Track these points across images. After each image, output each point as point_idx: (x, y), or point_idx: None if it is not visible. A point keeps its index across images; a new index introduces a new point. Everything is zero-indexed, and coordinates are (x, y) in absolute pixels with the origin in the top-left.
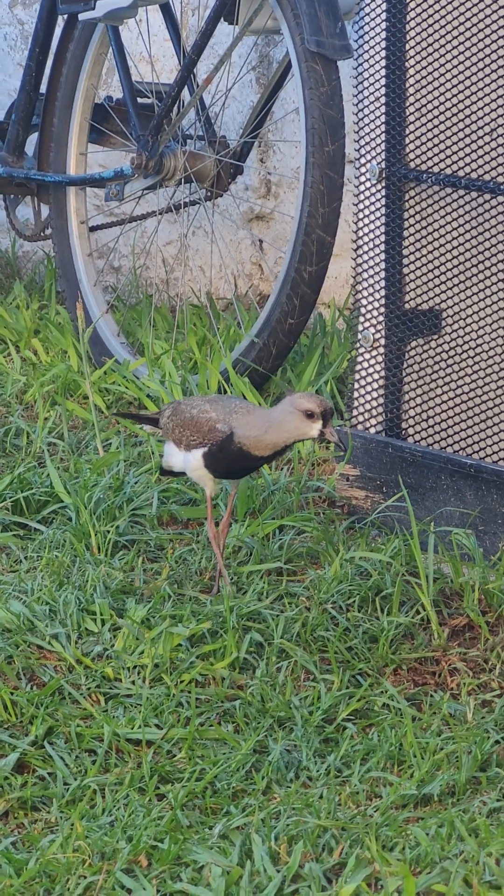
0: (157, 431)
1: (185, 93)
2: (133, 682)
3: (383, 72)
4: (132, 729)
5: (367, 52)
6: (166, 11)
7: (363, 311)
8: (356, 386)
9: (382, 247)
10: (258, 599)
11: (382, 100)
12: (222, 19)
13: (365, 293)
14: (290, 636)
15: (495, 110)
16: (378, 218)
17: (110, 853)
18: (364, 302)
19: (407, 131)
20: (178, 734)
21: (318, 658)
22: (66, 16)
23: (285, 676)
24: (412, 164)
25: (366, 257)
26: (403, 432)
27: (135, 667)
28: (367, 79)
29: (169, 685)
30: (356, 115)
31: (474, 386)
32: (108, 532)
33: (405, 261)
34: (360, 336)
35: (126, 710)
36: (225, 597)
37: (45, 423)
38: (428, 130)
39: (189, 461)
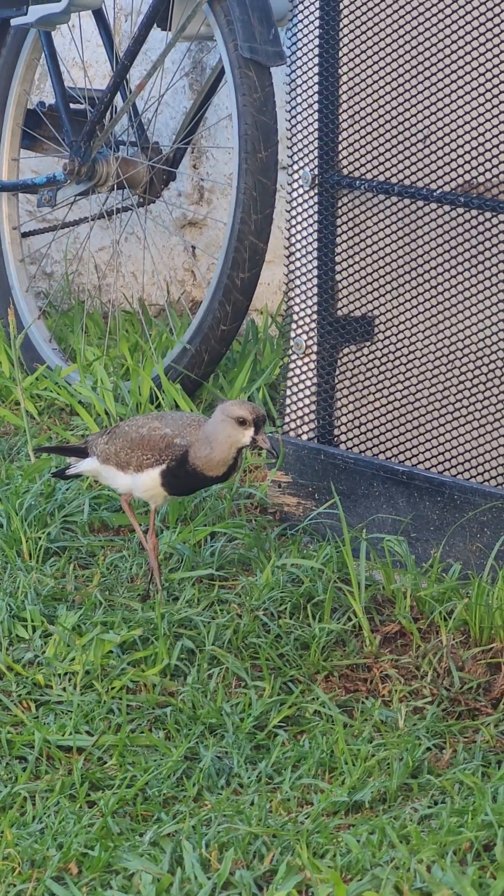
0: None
1: (118, 99)
2: (64, 689)
3: (316, 78)
4: (63, 736)
5: (300, 58)
6: (99, 17)
7: (295, 317)
8: (288, 393)
9: (315, 253)
10: (189, 606)
11: (315, 106)
12: (155, 25)
13: (297, 300)
14: (222, 643)
15: (428, 117)
16: (311, 224)
17: (40, 861)
18: (296, 308)
19: (340, 138)
20: (109, 741)
21: (249, 665)
22: None
23: (216, 683)
24: (345, 171)
25: (298, 264)
26: (336, 439)
27: (66, 673)
28: (300, 85)
29: (100, 692)
30: (289, 121)
31: (407, 393)
32: (40, 538)
33: (338, 267)
34: (292, 343)
35: (57, 716)
36: (156, 604)
37: None
38: (361, 137)
39: (142, 481)
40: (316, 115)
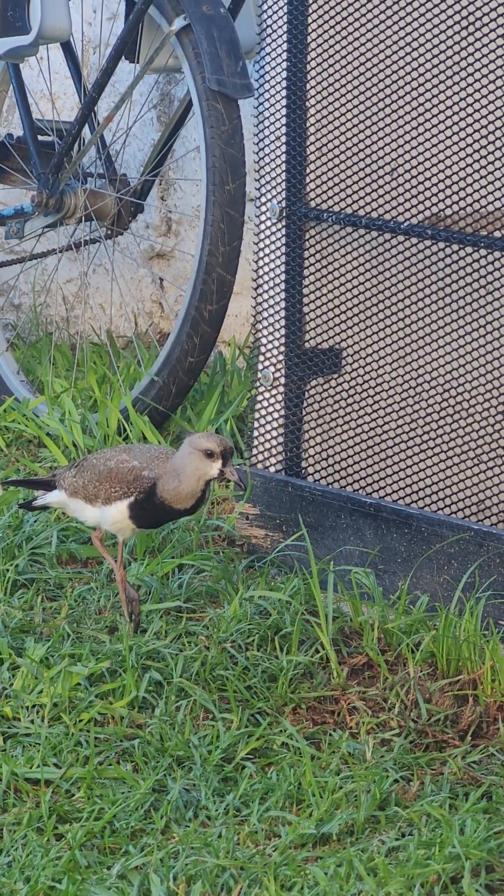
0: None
1: (86, 131)
2: (32, 721)
3: (284, 111)
4: (31, 768)
5: (267, 90)
6: (67, 49)
7: (263, 349)
8: (256, 425)
9: (283, 285)
10: (157, 638)
11: (283, 139)
12: (123, 57)
13: (265, 332)
14: (190, 675)
15: (395, 150)
16: (278, 256)
17: (8, 894)
18: (264, 340)
19: (307, 170)
20: (77, 773)
21: (217, 697)
22: None
23: (184, 715)
24: (312, 203)
25: (266, 296)
26: (303, 471)
27: (33, 706)
28: (268, 117)
29: (68, 724)
30: (257, 153)
31: (374, 425)
32: (8, 571)
33: (305, 300)
34: (260, 375)
35: (25, 749)
36: (124, 636)
37: None
38: (328, 169)
39: (110, 514)
40: (283, 148)
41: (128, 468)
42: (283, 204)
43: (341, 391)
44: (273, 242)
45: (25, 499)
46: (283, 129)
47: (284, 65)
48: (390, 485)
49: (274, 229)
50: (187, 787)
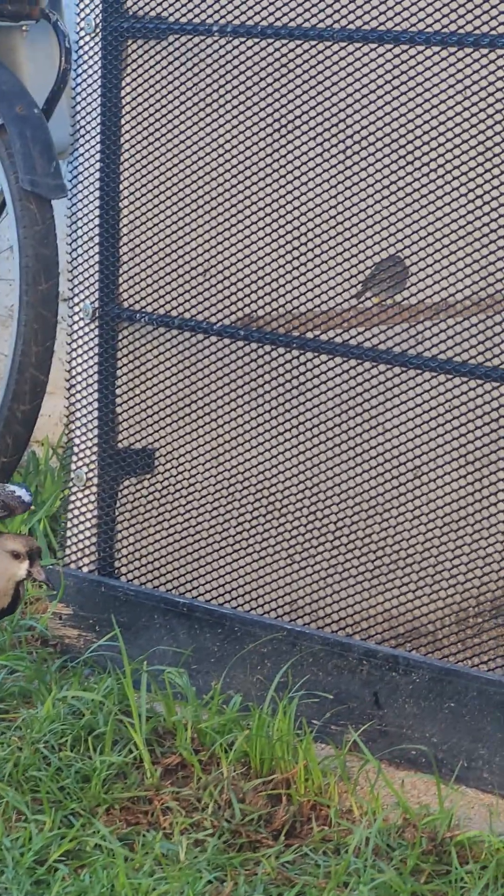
0: None
1: None
2: None
3: (97, 211)
4: None
5: (81, 191)
6: None
7: (76, 449)
8: (69, 525)
9: (96, 385)
10: None
11: (96, 239)
12: None
13: (78, 432)
14: (2, 776)
15: (208, 251)
16: (91, 357)
17: None
18: (77, 440)
19: (120, 271)
20: None
21: (30, 798)
22: None
23: None
24: (126, 304)
25: (79, 396)
26: (116, 571)
27: None
28: (81, 218)
29: None
30: (70, 253)
31: (187, 525)
32: None
33: (118, 399)
34: (72, 475)
35: None
36: None
37: None
38: (142, 270)
39: None
40: (97, 248)
41: None
42: (97, 304)
43: (154, 491)
44: (86, 342)
45: None
46: (97, 230)
47: (98, 165)
48: (203, 584)
49: (87, 329)
50: None
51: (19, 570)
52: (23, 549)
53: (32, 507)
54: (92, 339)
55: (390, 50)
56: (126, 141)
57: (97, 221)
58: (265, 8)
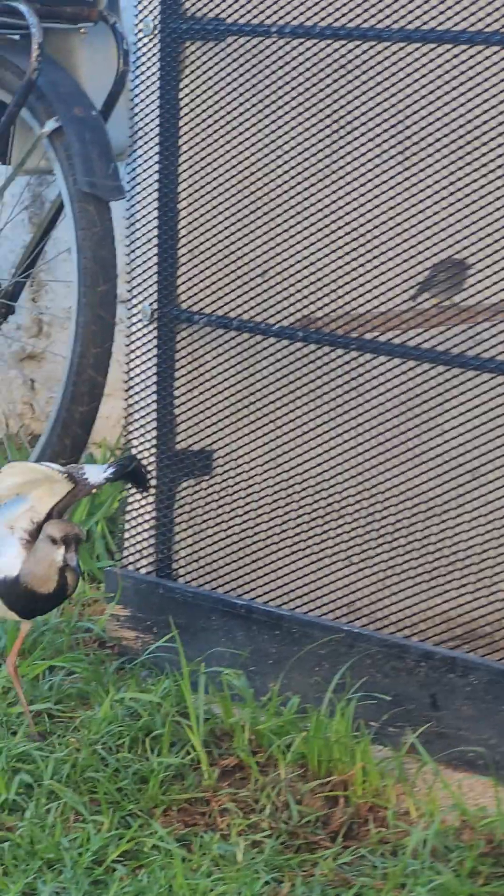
0: None
1: None
2: None
3: (155, 213)
4: None
5: (139, 192)
6: None
7: (134, 451)
8: (127, 526)
9: (154, 387)
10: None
11: (154, 240)
12: None
13: (136, 433)
14: (60, 777)
15: (266, 252)
16: (150, 358)
17: None
18: (135, 442)
19: (179, 272)
20: None
21: (87, 799)
22: None
23: (55, 818)
24: (184, 305)
25: (137, 397)
26: (174, 572)
27: None
28: (140, 220)
29: None
30: (128, 255)
31: (245, 527)
32: None
33: (176, 401)
34: None
35: None
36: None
37: None
38: (200, 272)
39: None
40: (155, 250)
41: None
42: (155, 306)
43: (212, 493)
44: (144, 344)
45: None
46: (155, 232)
47: (156, 167)
48: (261, 586)
49: (145, 331)
50: (58, 890)
51: (56, 556)
52: (58, 535)
53: (95, 490)
54: (150, 341)
55: (450, 50)
56: (184, 142)
57: (155, 223)
58: (324, 9)
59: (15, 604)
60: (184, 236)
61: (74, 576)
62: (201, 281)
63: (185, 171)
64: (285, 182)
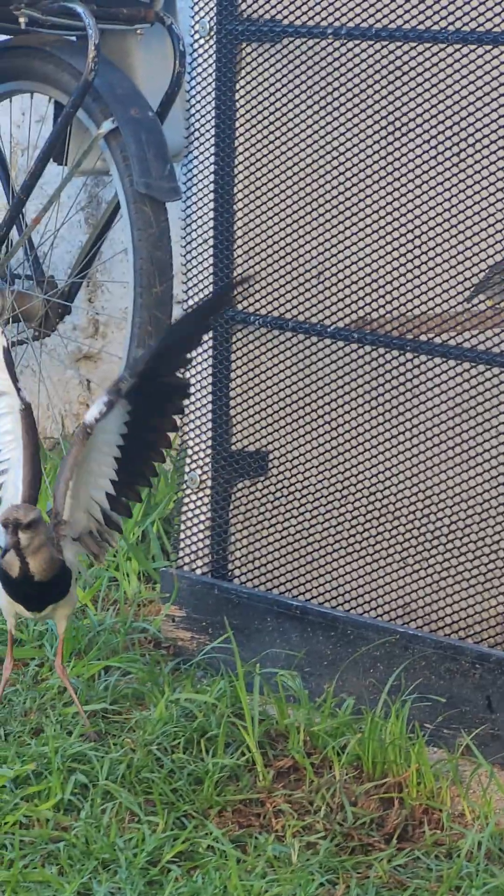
0: None
1: (14, 232)
2: None
3: (211, 213)
4: None
5: (195, 193)
6: None
7: (190, 452)
8: (182, 527)
9: (210, 388)
10: (83, 740)
11: (210, 241)
12: (52, 160)
13: (192, 434)
14: (115, 777)
15: (322, 253)
16: (206, 359)
17: None
18: (191, 443)
19: (234, 273)
20: (2, 877)
21: (142, 800)
22: None
23: (110, 818)
24: (239, 306)
25: (193, 398)
26: (230, 573)
27: None
28: (196, 220)
29: None
30: (184, 256)
31: (300, 528)
32: None
33: (232, 402)
34: (186, 477)
35: None
36: (49, 737)
37: None
38: (255, 273)
39: None
40: (211, 251)
41: None
42: None
43: (268, 493)
44: (201, 345)
45: None
46: (211, 233)
47: (212, 168)
48: (316, 587)
49: None
50: (112, 890)
51: (8, 541)
52: (0, 519)
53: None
54: (206, 342)
55: None
56: (240, 143)
57: (211, 224)
58: (379, 10)
59: (13, 594)
60: (240, 237)
61: (38, 560)
62: (256, 281)
63: (240, 171)
64: (340, 184)
